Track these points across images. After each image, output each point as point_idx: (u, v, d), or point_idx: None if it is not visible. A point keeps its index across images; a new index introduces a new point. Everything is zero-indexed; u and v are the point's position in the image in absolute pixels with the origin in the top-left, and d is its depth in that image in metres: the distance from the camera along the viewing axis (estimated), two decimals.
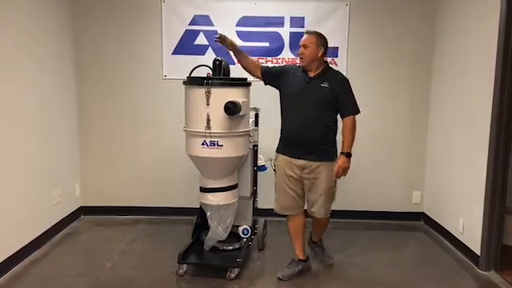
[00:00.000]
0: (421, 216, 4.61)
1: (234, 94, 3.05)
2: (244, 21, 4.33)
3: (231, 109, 2.90)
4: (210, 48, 4.36)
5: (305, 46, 2.99)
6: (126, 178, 4.56)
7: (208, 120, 3.01)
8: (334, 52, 4.35)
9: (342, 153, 2.98)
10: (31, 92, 3.65)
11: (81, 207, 4.56)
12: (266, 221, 3.84)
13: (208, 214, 3.28)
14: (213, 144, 3.05)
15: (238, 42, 4.21)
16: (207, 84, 2.97)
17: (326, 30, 4.10)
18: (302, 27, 4.32)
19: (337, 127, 3.02)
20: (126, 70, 4.43)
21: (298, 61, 4.03)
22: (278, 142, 3.20)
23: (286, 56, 4.39)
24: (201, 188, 3.29)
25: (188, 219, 4.02)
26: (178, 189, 4.50)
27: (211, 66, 3.31)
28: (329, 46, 4.20)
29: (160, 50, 4.38)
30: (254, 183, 3.62)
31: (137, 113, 4.49)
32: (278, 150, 3.20)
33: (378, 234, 4.32)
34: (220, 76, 3.19)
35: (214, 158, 3.08)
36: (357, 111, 2.99)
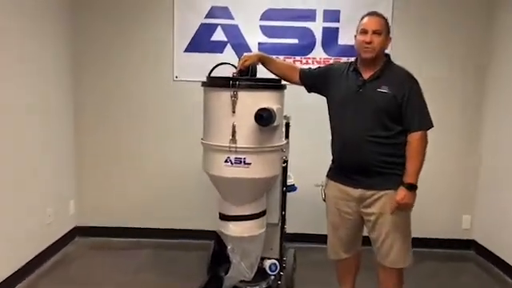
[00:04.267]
0: (471, 244, 4.02)
1: (267, 99, 2.44)
2: (269, 14, 3.78)
3: (265, 118, 2.28)
4: (228, 45, 3.80)
5: (377, 33, 2.32)
6: (129, 195, 3.97)
7: (233, 131, 2.39)
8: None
9: (402, 183, 2.30)
10: (20, 95, 3.09)
11: (76, 227, 3.98)
12: (295, 252, 3.21)
13: (229, 247, 2.65)
14: (239, 161, 2.43)
15: (262, 38, 3.71)
16: (234, 86, 2.35)
17: None
18: (337, 22, 3.78)
19: (406, 142, 2.34)
20: (130, 70, 3.87)
21: (329, 59, 3.61)
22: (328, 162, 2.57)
23: (318, 55, 3.81)
24: (221, 215, 2.67)
25: (202, 244, 3.53)
26: (190, 208, 3.91)
27: (236, 65, 2.70)
28: None
29: (171, 47, 3.82)
30: (283, 207, 2.98)
31: (142, 120, 3.92)
32: (327, 174, 2.56)
33: (419, 267, 3.64)
34: (248, 76, 2.56)
35: (240, 179, 2.46)
36: (428, 124, 2.32)
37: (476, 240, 3.97)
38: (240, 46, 3.73)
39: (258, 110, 2.30)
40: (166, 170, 3.93)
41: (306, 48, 3.80)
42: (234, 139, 2.40)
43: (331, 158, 2.54)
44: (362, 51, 2.36)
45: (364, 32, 2.34)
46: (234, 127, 2.39)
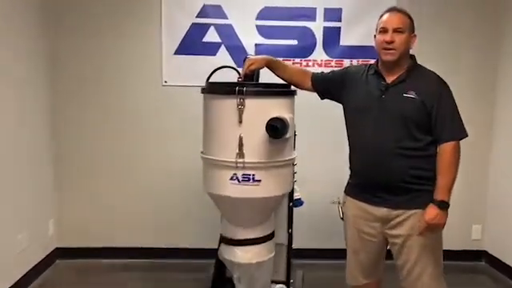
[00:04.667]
0: (482, 255, 3.81)
1: (278, 108, 2.14)
2: (266, 12, 3.50)
3: (280, 129, 1.98)
4: (222, 46, 3.51)
5: (399, 31, 2.04)
6: (115, 212, 3.62)
7: (240, 144, 2.08)
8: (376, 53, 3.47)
9: (433, 201, 2.04)
10: None
11: (56, 249, 3.61)
12: (304, 274, 2.92)
13: (235, 275, 2.34)
14: (247, 179, 2.12)
15: (258, 39, 3.45)
16: (240, 93, 2.05)
17: (368, 26, 3.32)
18: (339, 21, 3.55)
19: (436, 154, 2.08)
20: (114, 76, 3.53)
21: (330, 61, 3.41)
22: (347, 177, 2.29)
23: (319, 57, 3.56)
24: (224, 239, 2.36)
25: (199, 264, 3.26)
26: (184, 225, 3.61)
27: (237, 69, 2.43)
28: (372, 44, 3.56)
29: (159, 50, 3.50)
30: (290, 224, 2.69)
31: (128, 130, 3.58)
32: (346, 191, 2.28)
33: None
34: (255, 82, 2.26)
35: (249, 199, 2.15)
36: (462, 134, 2.07)
37: (487, 251, 3.77)
38: (235, 48, 3.46)
39: (270, 120, 2.00)
40: (156, 183, 3.60)
41: (305, 49, 3.54)
42: (241, 153, 2.09)
43: (349, 170, 2.28)
44: (382, 53, 2.09)
45: (384, 31, 2.08)
46: (240, 139, 2.09)
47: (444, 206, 2.03)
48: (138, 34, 3.49)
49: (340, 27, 3.51)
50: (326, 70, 2.41)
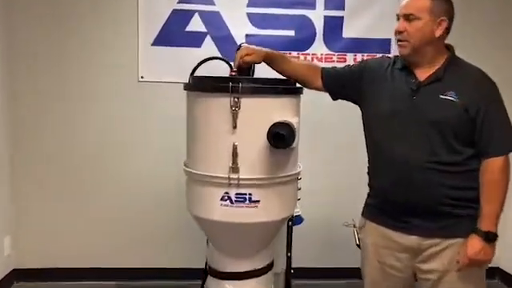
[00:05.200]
0: (495, 272, 3.48)
1: (281, 109, 1.71)
2: None
3: (286, 138, 1.55)
4: (208, 37, 3.07)
5: (409, 17, 1.63)
6: (82, 228, 3.14)
7: (234, 156, 1.65)
8: (385, 45, 3.11)
9: (475, 230, 1.64)
10: None
11: (14, 271, 3.12)
12: None
13: None
14: (242, 199, 1.69)
15: (249, 29, 3.08)
16: (235, 90, 1.61)
17: (376, 14, 3.07)
18: (342, 9, 3.15)
19: (478, 169, 1.67)
20: (82, 70, 3.03)
21: (332, 55, 3.04)
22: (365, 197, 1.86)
23: (318, 51, 3.17)
24: (212, 271, 1.92)
25: (178, 285, 2.94)
26: (162, 242, 3.16)
27: (229, 61, 1.99)
28: (379, 37, 3.19)
29: (134, 40, 3.03)
30: (289, 247, 2.25)
31: (97, 134, 3.09)
32: (364, 214, 1.86)
33: None
34: (252, 77, 1.82)
35: (244, 225, 1.71)
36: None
37: (501, 267, 3.45)
38: (223, 39, 3.03)
39: (274, 126, 1.56)
40: (129, 195, 3.12)
41: (303, 42, 3.12)
42: (235, 167, 1.66)
43: (368, 187, 1.86)
44: (397, 45, 1.70)
45: (398, 18, 1.69)
46: (234, 149, 1.65)
47: (491, 237, 1.64)
48: (109, 22, 3.01)
49: (343, 16, 3.11)
50: (339, 65, 1.99)
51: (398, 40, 1.68)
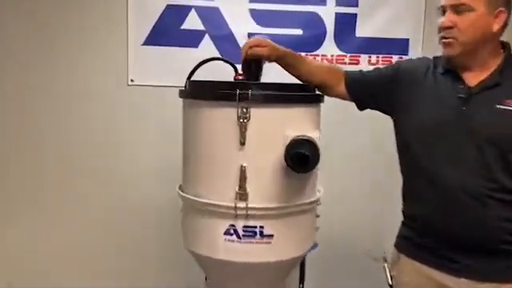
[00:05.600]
0: None
1: (301, 121, 1.39)
2: None
3: (310, 159, 1.22)
4: (206, 36, 2.75)
5: (458, 9, 1.32)
6: (57, 247, 2.76)
7: (242, 180, 1.32)
8: (403, 46, 2.82)
9: None
10: None
11: None
12: None
13: None
14: (251, 233, 1.37)
15: (252, 27, 2.78)
16: (243, 98, 1.28)
17: (393, 11, 2.77)
18: (355, 6, 2.83)
19: None
20: (65, 72, 2.69)
21: (344, 57, 2.72)
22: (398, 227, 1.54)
23: (329, 52, 2.86)
24: None
25: None
26: (148, 260, 2.77)
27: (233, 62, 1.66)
28: (397, 36, 2.90)
29: (124, 39, 2.70)
30: (302, 279, 1.92)
31: (81, 141, 2.73)
32: (398, 246, 1.54)
33: None
34: (259, 81, 1.50)
35: (255, 265, 1.38)
36: None
37: None
38: (222, 38, 2.72)
39: (295, 145, 1.24)
40: (113, 225, 2.75)
41: (312, 41, 2.80)
42: (242, 193, 1.33)
43: (402, 214, 1.54)
44: (441, 44, 1.38)
45: (442, 12, 1.37)
46: (242, 171, 1.32)
47: None
48: (96, 19, 2.69)
49: (356, 13, 2.80)
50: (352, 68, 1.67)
51: (443, 38, 1.37)
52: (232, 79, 1.53)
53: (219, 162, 1.36)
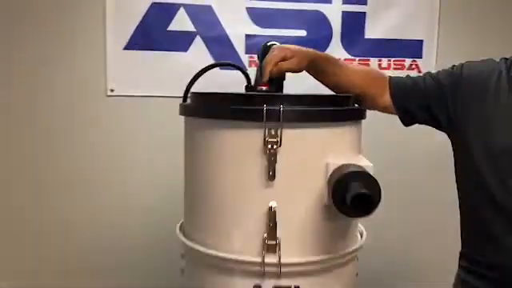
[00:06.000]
0: None
1: (342, 145, 1.06)
2: None
3: (373, 200, 0.88)
4: (198, 38, 2.42)
5: None
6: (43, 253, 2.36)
7: (272, 226, 0.98)
8: (417, 48, 2.59)
9: None
10: None
11: None
12: None
13: None
14: None
15: (250, 28, 2.54)
16: (272, 115, 0.94)
17: (405, 10, 2.54)
18: (364, 4, 2.57)
19: None
20: (36, 80, 2.31)
21: (352, 60, 2.44)
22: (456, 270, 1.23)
23: (336, 55, 2.46)
24: None
25: None
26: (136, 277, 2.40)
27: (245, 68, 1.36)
28: (410, 38, 2.66)
29: (101, 43, 2.34)
30: None
31: (55, 159, 2.35)
32: None
33: None
34: (282, 92, 1.18)
35: None
36: None
37: None
38: (216, 41, 2.41)
39: (351, 181, 0.90)
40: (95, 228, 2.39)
41: (317, 43, 2.49)
42: (272, 244, 0.99)
43: (461, 254, 1.23)
44: None
45: None
46: (272, 215, 0.98)
47: None
48: (72, 20, 2.32)
49: (365, 12, 2.53)
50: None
51: None
52: (243, 90, 1.20)
53: (240, 202, 1.01)
